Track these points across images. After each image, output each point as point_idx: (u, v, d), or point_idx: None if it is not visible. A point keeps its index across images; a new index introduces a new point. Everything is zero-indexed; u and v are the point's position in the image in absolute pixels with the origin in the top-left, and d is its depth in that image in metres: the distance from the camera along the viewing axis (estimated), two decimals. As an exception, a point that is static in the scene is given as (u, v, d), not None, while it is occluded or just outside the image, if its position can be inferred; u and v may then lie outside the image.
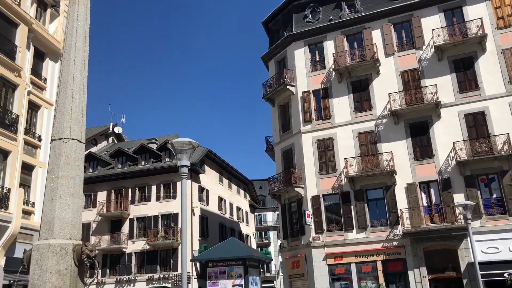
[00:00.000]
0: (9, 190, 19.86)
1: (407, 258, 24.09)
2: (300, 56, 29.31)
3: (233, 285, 10.20)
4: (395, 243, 24.52)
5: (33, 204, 22.03)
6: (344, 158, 26.17)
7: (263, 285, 48.69)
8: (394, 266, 24.45)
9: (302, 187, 26.95)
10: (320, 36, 29.20)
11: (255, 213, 59.91)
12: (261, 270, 31.35)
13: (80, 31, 7.02)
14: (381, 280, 24.28)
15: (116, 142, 49.35)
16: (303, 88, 28.62)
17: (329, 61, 28.52)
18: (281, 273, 56.12)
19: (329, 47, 28.81)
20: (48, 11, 25.16)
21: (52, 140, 6.58)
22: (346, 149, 26.57)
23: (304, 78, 28.82)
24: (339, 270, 25.27)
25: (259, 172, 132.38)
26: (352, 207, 25.75)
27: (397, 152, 25.53)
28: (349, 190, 25.98)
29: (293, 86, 28.92)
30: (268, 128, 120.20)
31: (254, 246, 51.83)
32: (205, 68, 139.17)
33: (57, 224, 6.00)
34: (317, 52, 29.32)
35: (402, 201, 24.85)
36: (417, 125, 25.74)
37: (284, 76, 29.08)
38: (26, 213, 21.28)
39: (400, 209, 24.56)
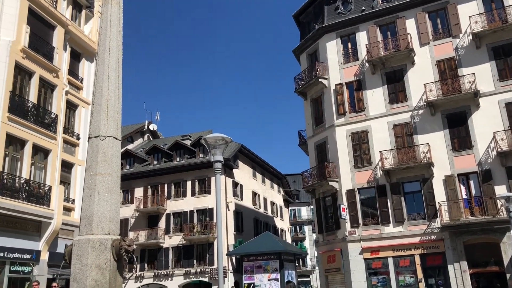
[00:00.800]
0: (50, 187, 20.54)
1: (446, 252, 23.52)
2: (332, 48, 28.96)
3: (269, 279, 10.23)
4: (433, 237, 23.98)
5: (73, 201, 22.72)
6: (380, 151, 25.74)
7: (299, 279, 48.67)
8: (433, 260, 23.92)
9: (336, 181, 26.69)
10: (352, 28, 28.76)
11: (289, 208, 59.82)
12: (297, 264, 31.34)
13: (114, 30, 7.15)
14: (420, 274, 23.81)
15: (151, 139, 50.25)
16: (336, 81, 28.28)
17: (362, 52, 28.06)
18: (317, 268, 55.94)
19: (361, 38, 28.34)
20: (83, 12, 25.79)
21: (89, 138, 6.74)
22: (381, 141, 26.11)
23: (336, 71, 28.47)
24: (376, 264, 24.93)
25: (292, 166, 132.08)
26: (388, 200, 25.32)
27: (434, 144, 24.90)
28: (385, 183, 25.55)
29: (326, 79, 28.62)
30: (301, 122, 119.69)
31: (289, 240, 51.79)
32: (236, 63, 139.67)
33: (96, 219, 6.15)
34: (349, 44, 28.89)
35: (440, 194, 24.25)
36: (454, 116, 25.01)
37: (316, 69, 28.81)
38: (67, 210, 21.96)
39: (438, 202, 23.98)
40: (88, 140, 6.83)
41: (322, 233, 27.95)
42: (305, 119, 30.66)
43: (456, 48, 25.82)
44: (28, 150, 19.69)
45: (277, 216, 49.92)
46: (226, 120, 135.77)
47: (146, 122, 50.08)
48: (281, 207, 52.00)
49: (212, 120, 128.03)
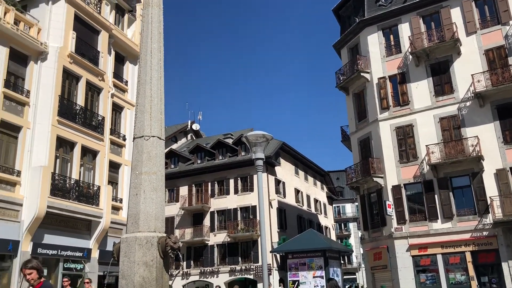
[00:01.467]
0: (99, 187, 21.24)
1: (499, 249, 22.55)
2: (374, 42, 28.36)
3: (313, 277, 10.14)
4: (485, 233, 23.06)
5: (120, 200, 23.40)
6: (426, 145, 24.99)
7: (344, 277, 48.09)
8: (486, 258, 23.00)
9: (381, 177, 26.15)
10: (394, 19, 28.05)
11: (333, 205, 59.20)
12: (342, 262, 30.95)
13: (155, 32, 7.27)
14: (471, 272, 22.96)
15: (194, 138, 51.03)
16: (378, 74, 27.69)
17: (405, 44, 27.33)
18: (362, 265, 55.08)
19: (404, 29, 27.59)
20: (126, 16, 26.48)
21: (134, 138, 6.88)
22: (427, 135, 25.34)
23: (379, 64, 27.87)
24: (424, 262, 24.25)
25: (335, 163, 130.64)
26: (436, 196, 24.56)
27: (484, 136, 23.92)
28: (432, 178, 24.78)
29: (368, 72, 28.08)
30: (343, 118, 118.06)
31: (333, 238, 51.28)
32: (276, 61, 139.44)
33: (142, 217, 6.27)
34: (391, 36, 28.21)
35: (491, 188, 23.27)
36: (505, 107, 23.92)
37: (358, 63, 28.32)
38: (115, 209, 22.65)
39: (490, 197, 23.02)
40: (133, 140, 6.98)
41: (368, 230, 27.47)
42: (348, 114, 30.21)
43: (506, 36, 24.66)
44: (77, 151, 20.44)
45: (321, 213, 49.52)
46: (267, 117, 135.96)
47: (189, 122, 50.92)
48: (324, 204, 51.55)
49: (252, 118, 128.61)
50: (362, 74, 27.95)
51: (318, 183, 50.68)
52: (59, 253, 18.94)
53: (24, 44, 19.15)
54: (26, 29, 19.41)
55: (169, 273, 6.30)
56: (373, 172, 26.06)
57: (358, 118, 29.08)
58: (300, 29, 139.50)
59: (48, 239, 18.81)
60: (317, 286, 10.41)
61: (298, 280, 11.05)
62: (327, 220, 51.18)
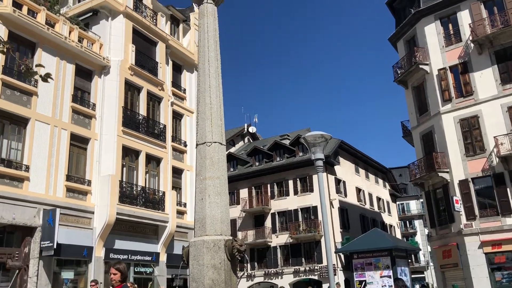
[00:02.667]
0: (163, 193, 22.00)
1: None
2: (432, 32, 27.34)
3: (381, 276, 9.94)
4: None
5: (184, 205, 24.10)
6: (494, 137, 23.72)
7: (412, 276, 46.59)
8: None
9: (447, 172, 25.12)
10: (453, 7, 26.89)
11: (397, 202, 57.55)
12: (409, 260, 30.00)
13: (211, 41, 7.48)
14: (552, 269, 21.50)
15: (251, 141, 51.54)
16: (438, 66, 26.66)
17: (466, 32, 26.12)
18: (431, 263, 53.13)
19: (463, 17, 26.38)
20: (181, 26, 27.28)
21: (197, 144, 7.12)
22: (495, 126, 24.04)
23: (438, 55, 26.83)
24: (499, 259, 22.97)
25: (396, 159, 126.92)
26: (508, 189, 23.22)
27: (559, 124, 22.34)
28: (502, 171, 23.47)
29: (427, 64, 27.11)
30: (402, 113, 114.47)
31: (398, 236, 49.84)
32: (328, 58, 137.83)
33: (209, 221, 6.47)
34: (450, 25, 27.07)
35: None
36: None
37: (416, 55, 27.41)
38: (180, 213, 23.35)
39: None
40: (196, 147, 7.21)
41: (435, 227, 26.47)
42: (408, 108, 29.32)
43: None
44: (142, 159, 21.29)
45: (384, 211, 48.34)
46: (323, 116, 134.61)
47: (245, 125, 51.51)
48: (388, 202, 50.27)
49: (308, 118, 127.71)
50: (420, 66, 27.02)
51: (380, 181, 49.51)
52: (129, 258, 19.78)
53: (88, 60, 20.24)
54: (89, 46, 20.51)
55: (236, 275, 6.46)
56: (438, 167, 25.09)
57: (419, 112, 28.14)
58: (353, 25, 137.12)
59: (119, 244, 19.73)
60: (385, 286, 10.19)
61: (365, 280, 10.87)
62: (391, 218, 49.87)
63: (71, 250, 17.58)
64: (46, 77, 3.07)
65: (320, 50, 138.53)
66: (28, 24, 17.56)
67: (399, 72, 28.95)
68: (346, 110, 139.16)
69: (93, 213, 18.85)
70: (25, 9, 17.91)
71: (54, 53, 18.79)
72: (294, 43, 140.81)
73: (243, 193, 41.30)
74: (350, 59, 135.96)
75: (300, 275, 37.00)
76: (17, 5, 17.46)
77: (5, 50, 2.87)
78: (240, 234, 39.56)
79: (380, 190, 48.78)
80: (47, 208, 16.88)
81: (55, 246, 16.28)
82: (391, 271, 10.36)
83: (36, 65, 3.08)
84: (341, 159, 40.95)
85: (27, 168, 16.87)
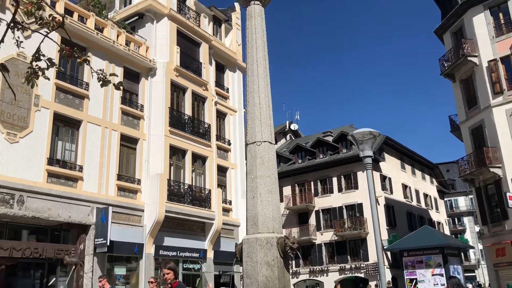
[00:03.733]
0: (209, 191, 22.40)
1: None
2: (481, 22, 26.37)
3: (432, 275, 9.75)
4: None
5: (230, 202, 24.43)
6: (550, 129, 22.65)
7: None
8: None
9: (499, 167, 24.20)
10: (503, -4, 25.85)
11: (445, 199, 55.91)
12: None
13: (259, 42, 7.59)
14: None
15: (293, 138, 51.46)
16: (488, 57, 25.69)
17: (517, 21, 25.04)
18: (482, 262, 51.33)
19: (515, 5, 25.30)
20: (223, 26, 27.62)
21: (247, 144, 7.26)
22: (551, 118, 22.95)
23: (488, 46, 25.85)
24: (558, 258, 21.96)
25: (444, 154, 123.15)
26: None
27: None
28: (559, 166, 22.39)
29: (476, 56, 26.19)
30: (450, 106, 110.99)
31: (447, 233, 48.46)
32: (370, 53, 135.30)
33: (261, 219, 6.60)
34: (500, 15, 26.02)
35: None
36: None
37: (464, 47, 26.53)
38: (225, 211, 23.70)
39: None
40: (245, 146, 7.35)
41: (487, 225, 25.57)
42: (456, 102, 28.44)
43: None
44: (188, 158, 21.77)
45: (432, 208, 47.10)
46: (366, 112, 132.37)
47: (287, 122, 51.45)
48: (435, 199, 48.94)
49: (351, 114, 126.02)
50: (469, 58, 26.14)
51: (427, 177, 48.27)
52: (178, 254, 20.29)
53: (135, 63, 20.88)
54: (136, 49, 21.15)
55: (289, 272, 6.55)
56: (489, 162, 24.22)
57: (467, 105, 27.24)
58: (396, 18, 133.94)
59: (168, 241, 20.27)
60: (437, 284, 9.98)
61: (416, 279, 10.70)
62: (439, 215, 48.53)
63: (123, 247, 18.23)
64: (118, 85, 3.27)
65: (361, 45, 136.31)
66: (79, 30, 18.30)
67: (446, 65, 28.14)
68: (390, 105, 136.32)
69: (143, 211, 19.47)
70: (75, 15, 18.69)
71: (103, 57, 19.50)
72: (335, 38, 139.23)
73: (286, 190, 41.32)
74: (394, 53, 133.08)
75: (346, 272, 36.70)
76: (68, 12, 18.23)
77: (81, 60, 3.09)
78: (284, 232, 39.62)
79: (427, 186, 47.58)
80: (100, 206, 17.58)
81: (108, 243, 16.93)
82: (443, 269, 10.14)
83: (110, 75, 3.29)
84: (386, 155, 40.23)
85: (81, 168, 17.63)
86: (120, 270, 18.72)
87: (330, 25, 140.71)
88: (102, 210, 17.40)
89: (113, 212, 17.55)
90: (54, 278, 16.91)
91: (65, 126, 17.82)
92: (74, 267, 16.99)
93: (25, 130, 16.03)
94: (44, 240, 16.82)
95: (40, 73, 3.18)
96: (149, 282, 8.73)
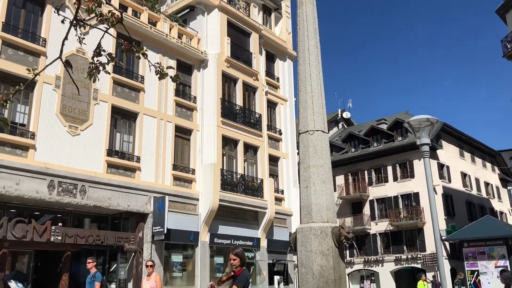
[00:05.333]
0: (261, 180, 22.55)
1: None
2: (547, -1, 24.70)
3: (495, 266, 9.33)
4: None
5: (282, 191, 24.49)
6: None
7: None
8: None
9: None
10: None
11: (508, 188, 53.17)
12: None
13: (310, 29, 7.49)
14: None
15: (345, 127, 50.65)
16: (555, 36, 24.07)
17: None
18: (549, 254, 48.51)
19: None
20: (272, 15, 27.50)
21: (299, 133, 7.23)
22: None
23: (555, 24, 24.20)
24: None
25: (507, 141, 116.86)
26: None
27: None
28: None
29: (542, 36, 24.60)
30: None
31: (511, 223, 46.17)
32: (426, 36, 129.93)
33: (314, 209, 6.57)
34: None
35: None
36: None
37: (528, 27, 24.99)
38: (277, 200, 23.79)
39: None
40: (298, 136, 7.32)
41: (555, 215, 24.12)
42: (519, 86, 26.88)
43: None
44: (240, 148, 21.99)
45: (494, 197, 44.99)
46: (422, 98, 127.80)
47: (339, 110, 50.66)
48: (497, 188, 46.70)
49: (405, 100, 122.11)
50: (534, 38, 24.60)
51: (488, 165, 46.09)
52: (232, 243, 20.61)
53: (187, 55, 21.25)
54: (188, 41, 21.51)
55: (344, 262, 6.50)
56: (558, 148, 22.75)
57: (533, 88, 25.68)
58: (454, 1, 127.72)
59: (222, 229, 20.66)
60: (501, 277, 9.58)
61: (478, 270, 10.28)
62: (501, 205, 46.29)
63: (179, 235, 18.76)
64: (175, 78, 3.35)
65: (417, 28, 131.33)
66: (134, 25, 18.84)
67: (509, 47, 26.65)
68: (447, 90, 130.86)
69: (197, 200, 19.92)
70: (129, 10, 19.24)
71: (157, 50, 19.99)
72: (387, 23, 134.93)
73: (339, 180, 40.83)
74: (452, 36, 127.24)
75: (402, 263, 35.90)
76: (123, 7, 18.80)
77: (139, 55, 3.20)
78: (337, 221, 39.13)
79: (488, 174, 45.47)
80: (157, 195, 18.16)
81: (165, 231, 17.49)
82: (508, 261, 9.67)
83: (167, 67, 3.37)
84: (444, 143, 38.77)
85: (138, 159, 18.26)
86: (177, 258, 19.31)
87: (384, 8, 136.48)
88: (159, 199, 17.96)
89: (169, 201, 18.07)
90: (115, 264, 17.70)
91: (122, 119, 18.48)
92: (133, 254, 17.69)
93: (85, 123, 16.78)
94: (105, 228, 17.63)
95: (101, 68, 3.32)
96: (146, 266, 8.65)
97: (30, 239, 14.45)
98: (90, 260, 9.78)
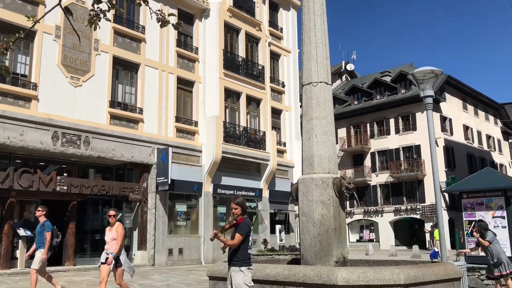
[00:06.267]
0: (264, 133, 22.64)
1: None
2: None
3: (493, 217, 9.57)
4: None
5: (284, 144, 24.64)
6: None
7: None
8: None
9: None
10: None
11: (510, 140, 53.32)
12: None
13: (315, -23, 7.27)
14: None
15: (349, 79, 50.19)
16: None
17: None
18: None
19: None
20: (276, -38, 26.59)
21: (302, 85, 7.18)
22: None
23: None
24: None
25: (510, 93, 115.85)
26: None
27: None
28: None
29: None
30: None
31: (511, 176, 46.65)
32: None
33: (316, 160, 6.64)
34: None
35: None
36: None
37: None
38: (279, 152, 23.98)
39: None
40: (301, 87, 7.28)
41: (555, 168, 24.32)
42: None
43: None
44: (243, 100, 21.93)
45: (495, 150, 45.23)
46: (426, 50, 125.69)
47: (343, 62, 50.02)
48: (499, 140, 46.85)
49: (410, 52, 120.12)
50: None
51: (491, 118, 46.01)
52: (235, 193, 20.98)
53: (189, 4, 20.77)
54: (189, -10, 20.94)
55: (344, 211, 6.64)
56: (562, 101, 22.60)
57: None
58: None
59: (225, 180, 20.98)
60: (497, 226, 9.83)
61: (475, 221, 10.57)
62: (502, 157, 46.61)
63: (183, 185, 19.08)
64: (177, 26, 3.30)
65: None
66: (133, -27, 18.29)
67: (519, -4, 25.86)
68: (451, 42, 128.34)
69: (201, 151, 20.10)
70: (129, -43, 18.62)
71: (157, -1, 19.52)
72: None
73: (341, 132, 40.95)
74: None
75: (401, 214, 36.66)
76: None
77: (140, 2, 3.15)
78: (339, 173, 39.63)
79: (490, 127, 45.49)
80: (160, 147, 18.32)
81: (169, 182, 17.77)
82: (505, 211, 9.90)
83: (169, 15, 3.32)
84: (447, 95, 38.54)
85: (141, 111, 18.27)
86: (181, 207, 19.73)
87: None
88: (163, 150, 18.13)
89: (173, 152, 18.24)
90: (121, 214, 18.10)
91: (124, 70, 18.34)
92: (138, 203, 18.08)
93: (87, 74, 16.67)
94: (109, 178, 17.91)
95: (101, 15, 3.26)
96: (108, 215, 8.16)
97: (37, 189, 14.75)
98: (40, 209, 9.06)
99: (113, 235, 7.96)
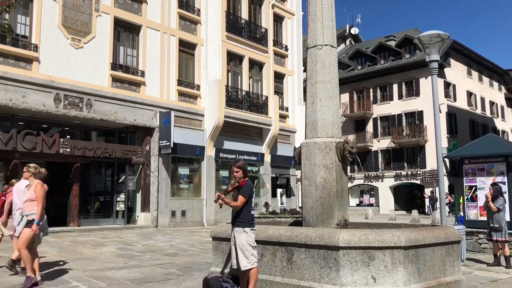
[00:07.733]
0: (266, 97, 22.51)
1: None
2: None
3: (493, 182, 9.65)
4: None
5: (286, 109, 24.55)
6: None
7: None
8: None
9: None
10: None
11: (513, 107, 53.08)
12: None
13: None
14: None
15: (353, 43, 49.46)
16: None
17: None
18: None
19: None
20: None
21: (307, 48, 7.08)
22: None
23: None
24: None
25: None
26: None
27: None
28: None
29: None
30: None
31: (512, 143, 46.65)
32: None
33: (320, 124, 6.63)
34: None
35: None
36: None
37: None
38: (282, 117, 23.93)
39: None
40: (306, 50, 7.18)
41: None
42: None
43: None
44: (245, 64, 21.70)
45: (498, 116, 45.09)
46: (432, 14, 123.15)
47: (347, 26, 49.17)
48: (502, 107, 46.62)
49: (415, 16, 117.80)
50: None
51: (495, 84, 45.60)
52: (237, 157, 21.08)
53: (191, -36, 20.23)
54: (191, -51, 20.35)
55: (346, 175, 6.68)
56: None
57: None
58: None
59: (227, 145, 21.05)
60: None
61: (476, 186, 10.64)
62: (504, 124, 46.52)
63: (186, 149, 19.16)
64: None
65: None
66: None
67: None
68: (458, 6, 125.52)
69: (203, 115, 20.07)
70: None
71: (159, -41, 19.02)
72: None
73: (344, 97, 40.72)
74: None
75: (402, 179, 36.94)
76: None
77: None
78: (342, 138, 39.71)
79: (494, 93, 45.17)
80: (163, 110, 18.28)
81: (171, 145, 17.83)
82: (506, 177, 9.95)
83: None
84: (452, 61, 38.08)
85: (143, 74, 18.12)
86: (183, 170, 19.88)
87: None
88: (165, 114, 18.10)
89: (175, 116, 18.22)
90: (124, 176, 18.29)
91: (125, 32, 18.07)
92: (141, 166, 18.21)
93: (88, 35, 16.44)
94: (112, 141, 17.98)
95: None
96: (23, 171, 6.77)
97: (40, 151, 14.84)
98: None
99: (30, 196, 6.54)
